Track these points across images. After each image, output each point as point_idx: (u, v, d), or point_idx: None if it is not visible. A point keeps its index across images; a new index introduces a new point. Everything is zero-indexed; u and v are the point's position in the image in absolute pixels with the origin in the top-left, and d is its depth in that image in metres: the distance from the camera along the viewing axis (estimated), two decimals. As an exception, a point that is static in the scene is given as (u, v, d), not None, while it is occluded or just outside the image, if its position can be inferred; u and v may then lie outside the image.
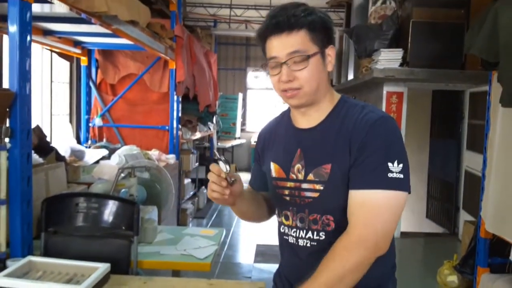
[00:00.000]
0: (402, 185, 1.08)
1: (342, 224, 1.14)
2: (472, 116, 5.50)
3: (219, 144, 9.75)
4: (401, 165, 1.08)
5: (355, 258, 1.05)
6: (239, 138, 10.91)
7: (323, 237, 1.19)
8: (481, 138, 3.91)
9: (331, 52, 1.18)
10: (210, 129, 7.45)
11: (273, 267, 1.41)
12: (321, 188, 1.17)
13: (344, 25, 7.77)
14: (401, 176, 1.08)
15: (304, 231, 1.22)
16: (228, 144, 10.34)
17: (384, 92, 5.47)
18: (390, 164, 1.07)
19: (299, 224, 1.23)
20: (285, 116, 1.33)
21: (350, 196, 1.10)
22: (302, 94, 1.16)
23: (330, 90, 1.23)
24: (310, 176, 1.18)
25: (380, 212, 1.06)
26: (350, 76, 6.97)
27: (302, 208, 1.22)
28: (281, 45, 1.13)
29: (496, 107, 3.13)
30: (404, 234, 5.72)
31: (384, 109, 5.48)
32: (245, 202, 1.30)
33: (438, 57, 4.94)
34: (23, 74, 1.88)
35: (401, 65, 5.04)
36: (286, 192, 1.25)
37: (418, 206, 6.83)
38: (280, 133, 1.31)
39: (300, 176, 1.21)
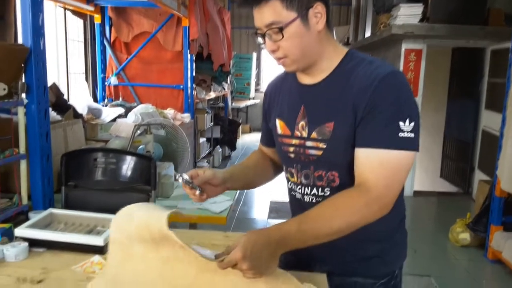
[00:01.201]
0: (413, 144, 1.06)
1: (347, 180, 1.15)
2: (492, 74, 5.36)
3: (233, 104, 9.73)
4: (412, 124, 1.05)
5: (372, 216, 1.06)
6: (253, 98, 10.85)
7: (328, 193, 1.20)
8: (501, 96, 3.83)
9: (319, 9, 1.09)
10: (224, 89, 7.42)
11: (287, 222, 1.43)
12: (324, 146, 1.15)
13: (362, -21, 7.50)
14: (412, 135, 1.05)
15: (309, 187, 1.23)
16: (243, 104, 10.31)
17: (403, 49, 5.34)
18: (401, 123, 1.04)
19: (304, 181, 1.24)
20: (290, 74, 1.29)
21: (363, 153, 1.08)
22: (289, 62, 1.14)
23: (328, 47, 1.16)
24: (314, 134, 1.17)
25: (397, 173, 1.06)
26: (368, 33, 6.81)
27: (307, 165, 1.21)
28: (258, 17, 1.10)
29: (518, 64, 3.04)
30: (417, 193, 5.74)
31: (401, 67, 5.36)
32: (237, 183, 1.32)
33: (459, 12, 4.77)
34: (37, 30, 1.88)
35: (421, 20, 4.88)
36: (291, 149, 1.24)
37: (432, 166, 6.81)
38: (285, 89, 1.29)
39: (304, 134, 1.19)
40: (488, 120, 5.36)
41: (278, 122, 1.28)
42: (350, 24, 9.30)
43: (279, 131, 1.28)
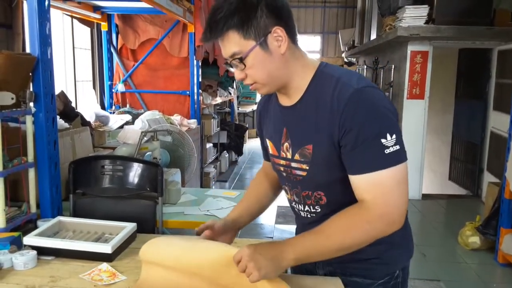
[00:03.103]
0: (400, 157, 1.06)
1: (333, 197, 1.18)
2: (499, 75, 5.32)
3: (239, 109, 9.74)
4: (394, 136, 1.04)
5: (375, 232, 1.07)
6: (259, 102, 10.84)
7: (319, 209, 1.24)
8: (508, 97, 3.80)
9: (278, 32, 1.08)
10: (230, 94, 7.44)
11: (294, 228, 1.46)
12: (307, 167, 1.18)
13: (367, -18, 7.50)
14: (398, 147, 1.05)
15: (301, 205, 1.27)
16: (249, 109, 10.32)
17: (408, 51, 5.32)
18: (383, 140, 1.03)
19: (295, 199, 1.28)
20: (273, 95, 1.30)
21: (356, 179, 1.08)
22: (260, 86, 1.15)
23: (296, 67, 1.15)
24: (296, 156, 1.19)
25: (395, 189, 1.06)
26: (373, 36, 6.80)
27: (295, 185, 1.25)
28: (222, 49, 1.13)
29: (525, 65, 3.01)
30: (425, 196, 5.69)
31: (407, 69, 5.34)
32: (246, 220, 1.40)
33: (465, 13, 4.74)
34: (44, 39, 1.90)
35: (427, 22, 4.87)
36: (282, 168, 1.27)
37: (441, 168, 6.76)
38: (271, 109, 1.30)
39: (289, 155, 1.22)
40: (496, 121, 5.32)
41: (268, 143, 1.32)
42: (356, 26, 9.28)
43: (270, 151, 1.32)
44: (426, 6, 4.81)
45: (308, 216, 1.27)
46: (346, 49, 9.66)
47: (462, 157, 6.28)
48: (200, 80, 5.41)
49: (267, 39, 1.08)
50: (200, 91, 5.44)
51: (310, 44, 11.72)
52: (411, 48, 5.30)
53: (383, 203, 1.06)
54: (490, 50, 5.44)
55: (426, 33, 4.85)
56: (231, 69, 1.15)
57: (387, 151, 1.04)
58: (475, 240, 3.93)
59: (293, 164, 1.21)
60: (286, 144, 1.22)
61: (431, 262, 3.75)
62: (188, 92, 5.18)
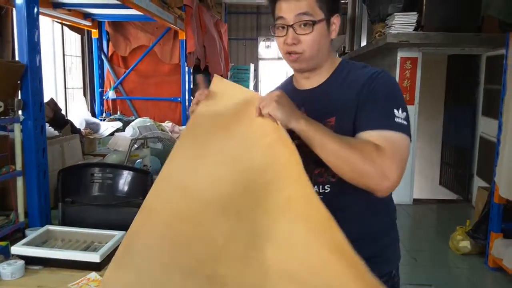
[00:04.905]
0: (408, 131, 1.12)
1: None
2: (488, 81, 5.38)
3: (232, 115, 9.73)
4: (404, 113, 1.12)
5: (371, 168, 1.04)
6: (251, 108, 10.86)
7: (328, 189, 1.22)
8: (497, 103, 3.84)
9: (336, 20, 1.21)
10: (222, 100, 7.43)
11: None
12: None
13: (357, -11, 7.56)
14: (406, 123, 1.12)
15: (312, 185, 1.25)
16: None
17: (398, 58, 5.36)
18: (396, 111, 1.11)
19: None
20: (289, 81, 1.37)
21: (365, 135, 1.10)
22: (303, 58, 1.19)
23: (331, 56, 1.25)
24: None
25: (400, 150, 1.08)
26: (363, 43, 6.85)
27: (308, 162, 1.17)
28: (289, 7, 1.15)
29: (512, 71, 3.05)
30: (416, 201, 5.72)
31: (397, 75, 5.39)
32: None
33: (453, 20, 4.80)
34: (32, 46, 1.89)
35: (416, 29, 4.92)
36: None
37: (431, 173, 6.80)
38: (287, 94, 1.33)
39: None
40: (486, 126, 5.37)
41: None
42: (346, 33, 9.35)
43: None
44: (415, 13, 4.86)
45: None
46: (337, 55, 9.72)
47: (452, 162, 6.33)
48: (191, 86, 5.41)
49: (330, 19, 1.19)
50: (192, 97, 5.44)
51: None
52: (400, 54, 5.34)
53: (391, 155, 1.06)
54: (478, 56, 5.50)
55: (415, 39, 4.90)
56: (278, 33, 1.18)
57: (397, 120, 1.10)
58: (465, 244, 3.95)
59: None
60: None
61: (422, 266, 3.76)
62: (179, 99, 5.18)
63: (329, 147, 1.06)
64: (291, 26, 1.15)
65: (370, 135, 1.10)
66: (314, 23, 1.14)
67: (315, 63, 1.22)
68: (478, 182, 5.44)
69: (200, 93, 1.18)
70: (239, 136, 1.12)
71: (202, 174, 1.11)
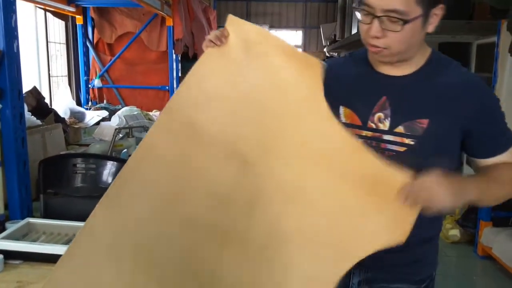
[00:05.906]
0: None
1: None
2: (478, 68, 5.37)
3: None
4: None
5: None
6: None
7: None
8: (487, 91, 3.83)
9: (439, 11, 1.04)
10: (211, 88, 7.36)
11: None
12: (412, 142, 1.07)
13: (348, -24, 7.51)
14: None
15: None
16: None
17: (389, 45, 5.33)
18: (507, 124, 1.12)
19: None
20: (358, 58, 1.20)
21: (499, 159, 1.12)
22: (387, 53, 1.05)
23: (422, 46, 1.11)
24: (400, 129, 1.08)
25: None
26: (354, 30, 6.79)
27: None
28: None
29: (504, 58, 3.04)
30: (407, 190, 5.74)
31: (388, 63, 5.36)
32: None
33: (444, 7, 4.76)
34: (9, 31, 1.81)
35: (406, 16, 4.88)
36: (363, 141, 1.09)
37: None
38: (349, 74, 1.18)
39: (382, 126, 1.10)
40: (475, 115, 5.38)
41: (343, 110, 1.15)
42: (337, 21, 9.29)
43: (344, 119, 1.14)
44: None
45: None
46: (328, 43, 9.66)
47: (442, 150, 6.36)
48: (180, 75, 5.32)
49: (429, 12, 1.03)
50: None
51: (292, 39, 11.70)
52: (391, 42, 5.31)
53: None
54: (469, 44, 5.48)
55: (406, 27, 4.87)
56: (363, 18, 1.03)
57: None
58: (455, 233, 3.96)
59: (388, 137, 1.09)
60: (380, 114, 1.10)
61: (412, 255, 3.77)
62: (167, 87, 5.10)
63: (491, 198, 1.11)
64: (378, 17, 0.99)
65: (503, 157, 1.11)
66: (405, 22, 0.98)
67: (401, 57, 1.08)
68: (467, 170, 5.46)
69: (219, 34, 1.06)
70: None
71: (215, 112, 1.02)
